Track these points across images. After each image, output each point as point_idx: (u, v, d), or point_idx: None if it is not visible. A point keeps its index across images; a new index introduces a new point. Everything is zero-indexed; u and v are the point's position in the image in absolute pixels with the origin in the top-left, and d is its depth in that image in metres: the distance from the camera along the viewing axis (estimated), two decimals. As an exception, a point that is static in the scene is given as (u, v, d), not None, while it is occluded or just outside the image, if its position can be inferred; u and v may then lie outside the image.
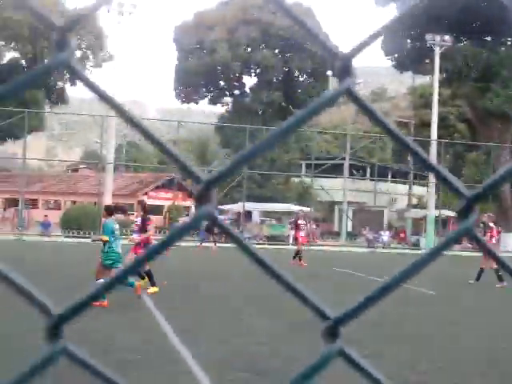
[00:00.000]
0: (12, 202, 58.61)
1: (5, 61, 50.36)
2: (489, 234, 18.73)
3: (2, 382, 0.62)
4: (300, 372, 0.68)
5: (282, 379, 6.66)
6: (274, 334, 9.38)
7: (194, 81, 54.24)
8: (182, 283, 15.55)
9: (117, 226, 12.28)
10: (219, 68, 53.10)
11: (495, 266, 17.26)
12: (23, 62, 49.71)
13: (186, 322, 9.96)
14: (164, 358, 7.49)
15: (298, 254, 23.26)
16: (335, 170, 51.13)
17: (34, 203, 61.43)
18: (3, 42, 48.07)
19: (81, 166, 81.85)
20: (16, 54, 49.46)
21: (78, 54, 51.53)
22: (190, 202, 56.77)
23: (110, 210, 12.82)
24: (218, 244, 32.04)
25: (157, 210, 54.13)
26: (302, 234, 24.30)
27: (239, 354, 7.88)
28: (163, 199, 55.65)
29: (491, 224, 19.56)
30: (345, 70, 0.69)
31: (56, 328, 0.64)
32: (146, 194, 57.90)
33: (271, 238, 42.07)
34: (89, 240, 33.26)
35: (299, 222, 24.62)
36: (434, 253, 0.71)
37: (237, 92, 56.67)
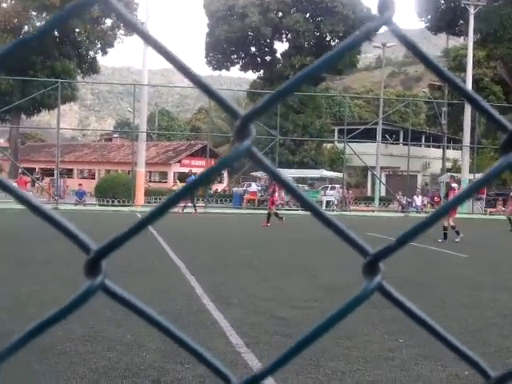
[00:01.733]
0: (47, 172, 59.53)
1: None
2: (451, 193, 19.71)
3: (37, 321, 0.64)
4: (340, 306, 0.68)
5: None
6: (305, 297, 9.45)
7: (224, 47, 53.99)
8: (207, 249, 15.69)
9: None
10: (250, 34, 52.73)
11: (445, 224, 19.02)
12: (55, 32, 50.00)
13: (219, 287, 10.09)
14: (199, 322, 7.61)
15: (269, 216, 25.05)
16: (368, 135, 50.78)
17: (68, 173, 62.34)
18: (35, 13, 48.32)
19: (114, 136, 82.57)
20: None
21: (109, 22, 51.61)
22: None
23: None
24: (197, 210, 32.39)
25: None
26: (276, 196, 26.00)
27: (272, 317, 7.98)
28: (196, 167, 55.92)
29: (454, 184, 21.74)
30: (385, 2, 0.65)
31: (95, 263, 0.65)
32: (179, 161, 58.31)
33: (304, 204, 42.06)
34: (124, 208, 33.62)
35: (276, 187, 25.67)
36: (472, 189, 0.69)
37: (268, 58, 56.31)
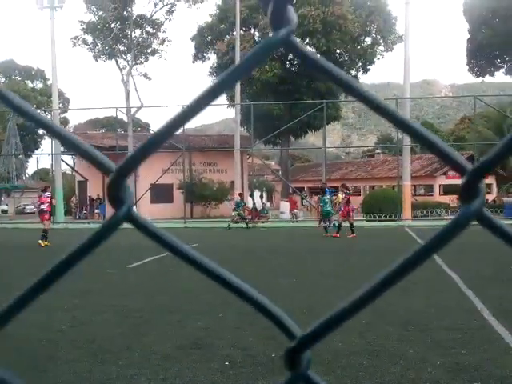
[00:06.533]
0: (315, 191, 61.64)
1: (301, 57, 53.22)
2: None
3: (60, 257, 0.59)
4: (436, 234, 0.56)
5: None
6: None
7: (487, 52, 51.84)
8: (484, 261, 15.01)
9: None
10: (515, 36, 50.05)
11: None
12: (319, 55, 52.03)
13: (499, 301, 9.62)
14: (483, 338, 7.35)
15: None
16: None
17: (335, 190, 63.87)
18: (299, 39, 50.61)
19: (376, 151, 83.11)
20: (311, 49, 51.91)
21: (368, 40, 52.35)
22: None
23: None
24: None
25: (456, 189, 53.06)
26: None
27: None
28: (459, 178, 54.15)
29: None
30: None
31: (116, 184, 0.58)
32: (444, 173, 56.94)
33: None
34: (392, 223, 33.57)
35: None
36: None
37: (536, 58, 52.91)
